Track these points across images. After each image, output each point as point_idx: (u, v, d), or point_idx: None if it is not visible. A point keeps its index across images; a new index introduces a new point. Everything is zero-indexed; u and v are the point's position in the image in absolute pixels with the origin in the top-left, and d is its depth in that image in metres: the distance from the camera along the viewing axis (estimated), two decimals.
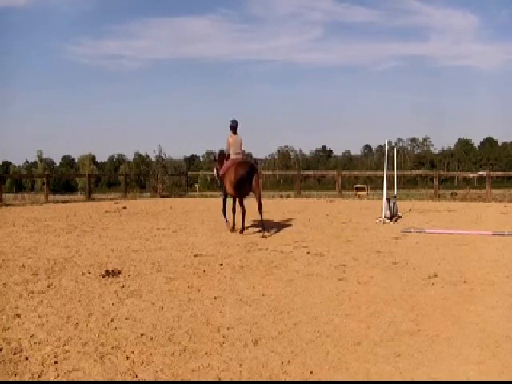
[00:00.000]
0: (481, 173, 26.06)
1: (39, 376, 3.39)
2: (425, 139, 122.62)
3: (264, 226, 10.49)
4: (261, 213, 10.63)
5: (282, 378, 3.36)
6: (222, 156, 11.72)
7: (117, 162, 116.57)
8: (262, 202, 11.04)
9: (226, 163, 11.30)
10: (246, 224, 11.11)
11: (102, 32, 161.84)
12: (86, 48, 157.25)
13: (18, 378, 3.36)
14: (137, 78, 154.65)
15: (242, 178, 10.54)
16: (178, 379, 3.35)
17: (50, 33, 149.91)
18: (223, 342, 3.98)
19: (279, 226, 11.82)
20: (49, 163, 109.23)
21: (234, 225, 11.02)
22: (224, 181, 11.16)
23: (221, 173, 11.36)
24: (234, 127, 11.41)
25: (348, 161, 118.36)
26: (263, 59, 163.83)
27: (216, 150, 13.69)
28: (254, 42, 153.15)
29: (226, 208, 11.40)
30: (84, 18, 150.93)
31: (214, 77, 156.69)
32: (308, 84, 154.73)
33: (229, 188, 10.98)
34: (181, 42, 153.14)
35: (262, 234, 10.17)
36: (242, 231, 10.69)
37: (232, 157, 11.31)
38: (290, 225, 12.05)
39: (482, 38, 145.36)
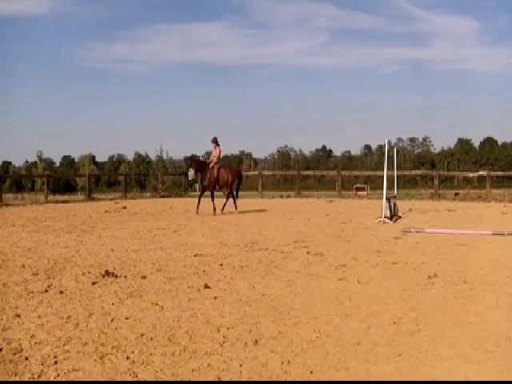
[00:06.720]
0: (481, 173, 26.08)
1: (39, 376, 3.38)
2: (425, 139, 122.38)
3: None
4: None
5: (282, 378, 3.36)
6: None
7: (117, 161, 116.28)
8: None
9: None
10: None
11: (110, 37, 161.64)
12: (87, 51, 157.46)
13: (18, 378, 3.35)
14: (139, 79, 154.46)
15: None
16: (178, 379, 3.35)
17: (47, 34, 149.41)
18: (223, 342, 3.98)
19: (279, 225, 11.81)
20: (49, 163, 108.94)
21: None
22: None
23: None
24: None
25: (348, 161, 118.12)
26: (269, 63, 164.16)
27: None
28: (261, 47, 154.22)
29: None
30: (84, 25, 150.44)
31: (214, 78, 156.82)
32: (311, 86, 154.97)
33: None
34: (185, 47, 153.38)
35: None
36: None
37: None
38: (290, 225, 12.05)
39: (482, 42, 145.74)
